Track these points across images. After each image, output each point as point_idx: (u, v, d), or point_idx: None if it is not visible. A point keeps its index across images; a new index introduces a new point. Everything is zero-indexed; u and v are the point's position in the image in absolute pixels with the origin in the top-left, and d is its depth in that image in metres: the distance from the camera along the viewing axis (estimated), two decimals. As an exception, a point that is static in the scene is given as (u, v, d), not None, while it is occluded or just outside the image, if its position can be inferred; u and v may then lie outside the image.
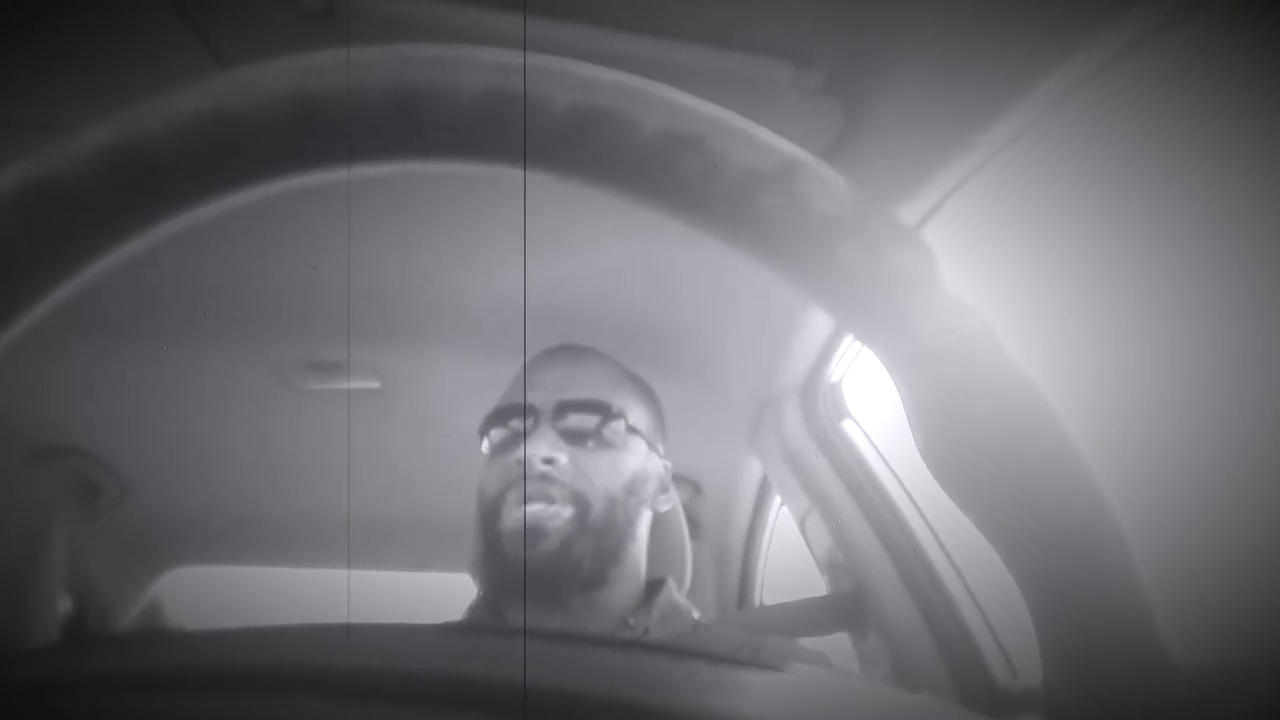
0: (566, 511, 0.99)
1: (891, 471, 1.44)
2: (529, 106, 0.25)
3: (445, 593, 2.14)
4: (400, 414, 1.67)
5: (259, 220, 1.21)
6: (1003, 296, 1.39)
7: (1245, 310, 1.11)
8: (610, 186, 0.26)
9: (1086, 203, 1.31)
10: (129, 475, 1.80)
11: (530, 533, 0.97)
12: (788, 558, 1.75)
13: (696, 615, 1.11)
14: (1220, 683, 0.27)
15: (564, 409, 1.05)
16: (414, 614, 2.34)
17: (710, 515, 1.85)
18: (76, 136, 0.25)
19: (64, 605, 1.71)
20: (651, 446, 1.11)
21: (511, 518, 0.99)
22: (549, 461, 1.00)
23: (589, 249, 1.30)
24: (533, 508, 0.98)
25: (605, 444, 1.05)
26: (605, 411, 1.06)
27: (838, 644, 1.51)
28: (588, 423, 1.05)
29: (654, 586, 1.10)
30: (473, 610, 1.08)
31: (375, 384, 1.60)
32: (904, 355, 0.27)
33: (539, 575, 0.97)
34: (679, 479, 1.25)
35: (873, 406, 1.49)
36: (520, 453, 1.01)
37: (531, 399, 1.05)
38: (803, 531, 1.61)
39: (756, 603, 1.85)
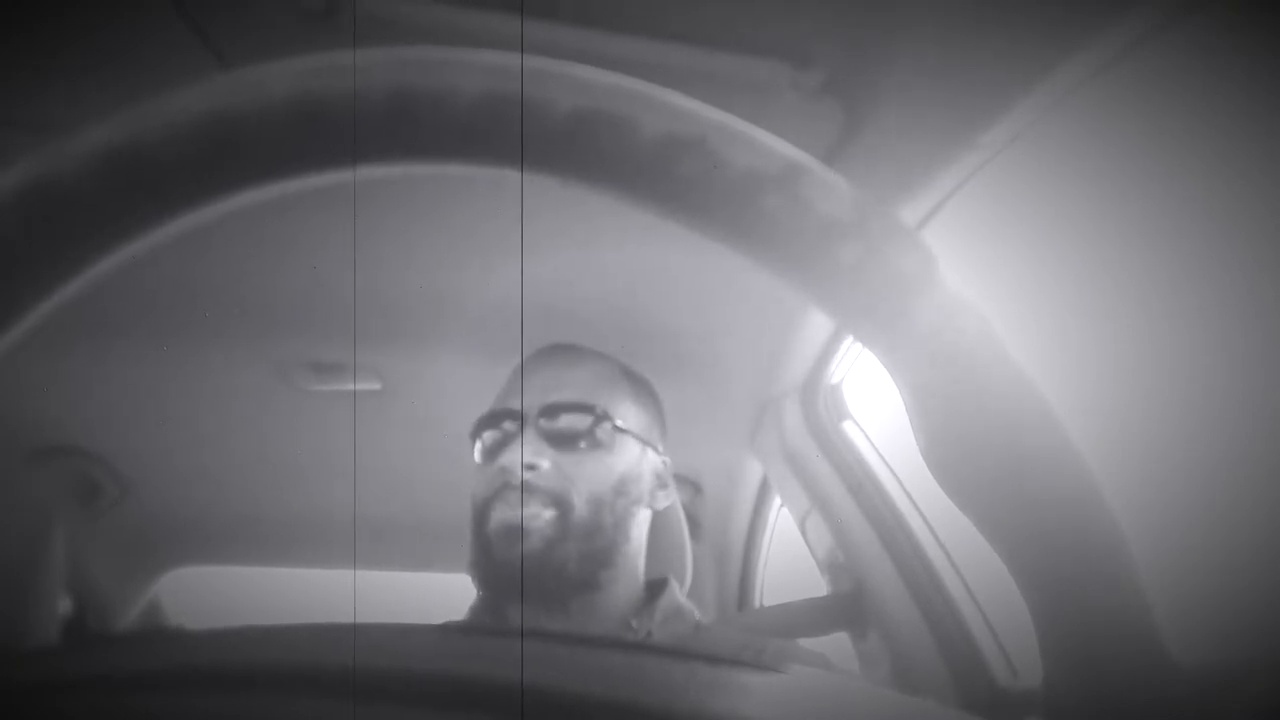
0: (547, 513, 1.00)
1: (892, 472, 1.44)
2: (530, 109, 0.25)
3: (445, 593, 2.14)
4: (400, 414, 1.67)
5: (259, 220, 1.20)
6: (1003, 296, 1.39)
7: (1245, 310, 1.11)
8: (611, 189, 0.26)
9: (1086, 203, 1.31)
10: (129, 475, 1.80)
11: (514, 535, 1.00)
12: (788, 558, 1.75)
13: (698, 616, 1.11)
14: (1220, 683, 0.27)
15: (550, 411, 1.06)
16: (414, 614, 2.34)
17: (710, 515, 1.85)
18: (76, 136, 0.25)
19: (64, 605, 1.71)
20: (646, 444, 1.11)
21: (495, 520, 1.02)
22: (530, 467, 1.02)
23: (589, 251, 1.30)
24: (516, 511, 1.00)
25: (596, 444, 1.05)
26: (591, 412, 1.06)
27: (838, 644, 1.51)
28: (578, 424, 1.05)
29: (656, 587, 1.10)
30: (474, 611, 1.09)
31: (376, 385, 1.60)
32: (904, 356, 0.27)
33: (527, 575, 0.99)
34: (679, 480, 1.25)
35: (873, 407, 1.50)
36: (504, 459, 1.04)
37: (519, 403, 1.06)
38: (803, 532, 1.61)
39: (757, 603, 1.85)
